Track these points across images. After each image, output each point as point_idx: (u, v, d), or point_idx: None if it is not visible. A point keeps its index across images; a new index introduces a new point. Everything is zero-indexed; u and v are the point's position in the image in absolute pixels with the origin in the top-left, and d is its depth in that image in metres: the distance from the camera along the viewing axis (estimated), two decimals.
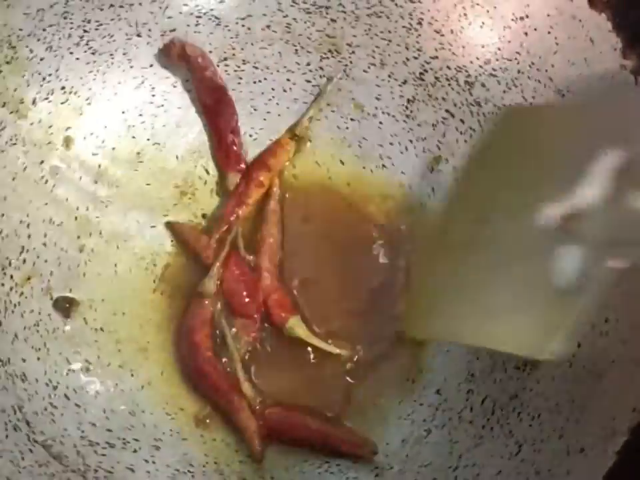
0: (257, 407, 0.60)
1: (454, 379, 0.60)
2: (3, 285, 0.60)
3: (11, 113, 0.62)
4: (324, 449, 0.61)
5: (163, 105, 0.67)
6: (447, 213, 0.58)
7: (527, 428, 0.55)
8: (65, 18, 0.62)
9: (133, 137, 0.66)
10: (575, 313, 0.48)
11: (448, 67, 0.65)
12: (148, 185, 0.66)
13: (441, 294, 0.56)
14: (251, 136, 0.68)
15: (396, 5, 0.65)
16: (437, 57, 0.65)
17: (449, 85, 0.65)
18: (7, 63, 0.61)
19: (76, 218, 0.64)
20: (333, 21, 0.66)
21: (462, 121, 0.65)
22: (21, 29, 0.61)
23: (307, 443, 0.61)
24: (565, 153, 0.52)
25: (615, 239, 0.48)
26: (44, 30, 0.62)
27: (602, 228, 0.49)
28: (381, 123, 0.67)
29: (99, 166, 0.65)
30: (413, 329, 0.59)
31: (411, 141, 0.66)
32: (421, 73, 0.66)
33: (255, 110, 0.68)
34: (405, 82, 0.66)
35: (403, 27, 0.65)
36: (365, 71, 0.67)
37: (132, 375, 0.61)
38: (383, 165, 0.67)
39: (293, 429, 0.60)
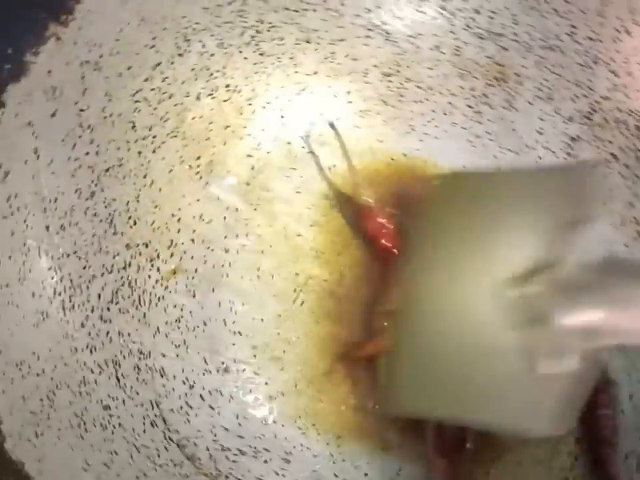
0: None
1: None
2: (149, 276, 0.59)
3: (176, 105, 0.61)
4: None
5: (322, 114, 0.65)
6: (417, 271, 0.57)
7: None
8: (240, 16, 0.61)
9: (289, 143, 0.65)
10: (558, 389, 0.47)
11: (619, 109, 0.63)
12: (298, 192, 0.65)
13: (417, 364, 0.56)
14: (405, 155, 0.66)
15: (573, 40, 0.63)
16: (608, 98, 0.63)
17: (618, 127, 0.63)
18: (179, 55, 0.60)
19: (225, 218, 0.63)
20: (504, 49, 0.65)
21: (626, 166, 0.62)
22: (197, 23, 0.60)
23: None
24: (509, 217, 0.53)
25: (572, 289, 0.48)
26: (218, 26, 0.61)
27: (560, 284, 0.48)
28: (539, 157, 0.65)
29: (252, 168, 0.64)
30: (386, 404, 0.58)
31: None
32: (589, 112, 0.64)
33: (412, 130, 0.66)
34: (570, 119, 0.64)
35: (577, 63, 0.64)
36: (529, 103, 0.65)
37: (266, 384, 0.61)
38: None
39: None
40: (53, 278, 0.55)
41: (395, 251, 0.62)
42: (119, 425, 0.54)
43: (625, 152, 0.63)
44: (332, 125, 0.63)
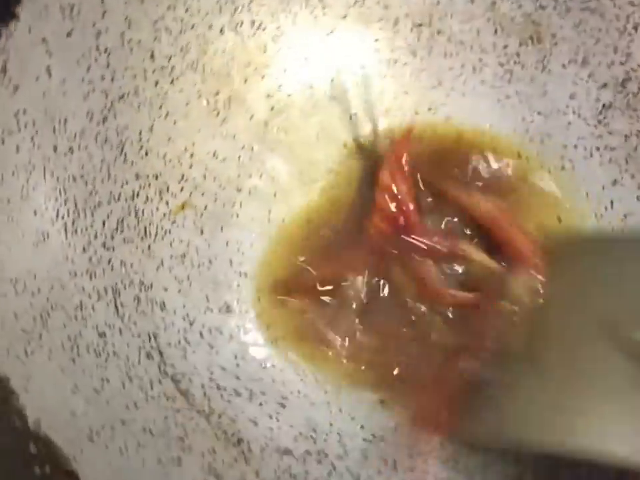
0: None
1: None
2: (157, 209, 0.58)
3: (197, 37, 0.60)
4: None
5: (347, 60, 0.63)
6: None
7: None
8: None
9: (311, 87, 0.63)
10: None
11: None
12: (317, 138, 0.63)
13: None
14: (430, 109, 0.64)
15: (614, 5, 0.60)
16: None
17: None
18: None
19: (239, 157, 0.61)
20: (542, 7, 0.63)
21: None
22: None
23: None
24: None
25: None
26: None
27: None
28: (569, 123, 0.63)
29: (272, 108, 0.62)
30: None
31: (597, 148, 0.62)
32: (624, 80, 0.62)
33: (439, 84, 0.64)
34: (604, 85, 0.62)
35: (616, 28, 0.61)
36: (563, 66, 0.63)
37: (268, 327, 0.59)
38: (563, 167, 0.62)
39: None
40: (57, 200, 0.54)
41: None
42: (114, 353, 0.52)
43: None
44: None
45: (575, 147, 0.63)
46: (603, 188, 0.62)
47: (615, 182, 0.62)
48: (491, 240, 0.60)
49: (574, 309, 0.55)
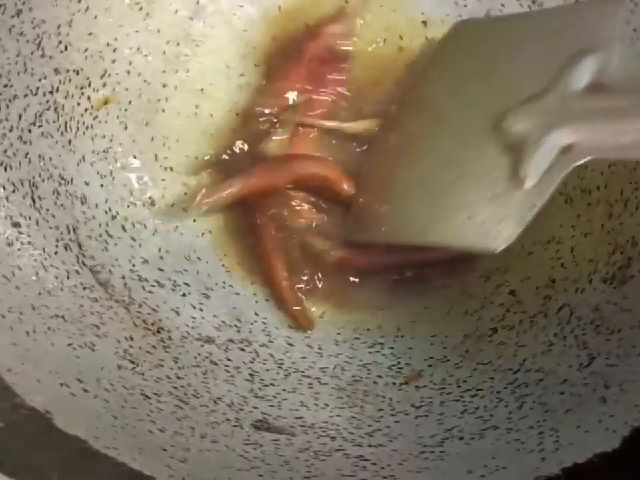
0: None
1: (532, 282, 0.54)
2: (78, 104, 0.57)
3: None
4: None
5: None
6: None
7: (604, 342, 0.49)
8: None
9: None
10: (530, 204, 0.48)
11: None
12: (245, 31, 0.62)
13: (389, 191, 0.56)
14: None
15: None
16: None
17: None
18: None
19: (164, 52, 0.60)
20: None
21: None
22: None
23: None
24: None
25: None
26: None
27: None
28: (503, 5, 0.60)
29: (197, 2, 0.60)
30: (355, 230, 0.57)
31: None
32: None
33: None
34: None
35: None
36: None
37: (194, 220, 0.58)
38: None
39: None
40: None
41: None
42: (28, 242, 0.52)
43: None
44: None
45: None
46: None
47: None
48: None
49: (452, 94, 0.56)
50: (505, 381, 0.51)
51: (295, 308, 0.56)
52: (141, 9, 0.60)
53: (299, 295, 0.56)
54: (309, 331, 0.56)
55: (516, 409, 0.49)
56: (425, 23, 0.62)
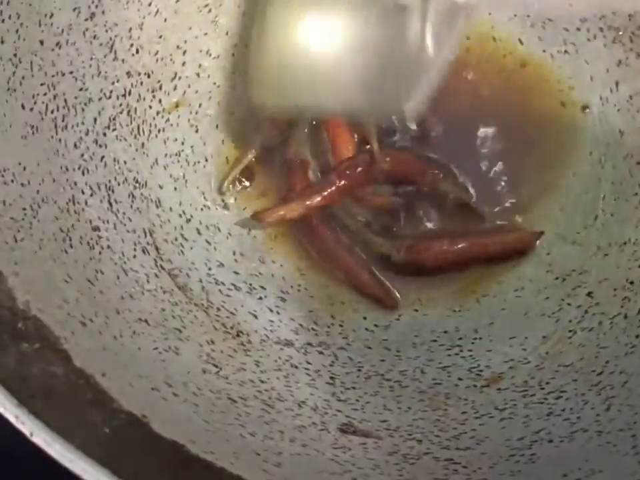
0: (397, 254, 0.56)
1: (609, 284, 0.53)
2: (150, 107, 0.57)
3: None
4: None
5: None
6: None
7: None
8: None
9: None
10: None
11: None
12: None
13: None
14: None
15: None
16: None
17: None
18: None
19: (233, 54, 0.60)
20: None
21: None
22: None
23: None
24: None
25: None
26: None
27: None
28: (570, 5, 0.59)
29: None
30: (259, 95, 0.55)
31: (601, 29, 0.59)
32: None
33: None
34: None
35: None
36: None
37: None
38: (566, 51, 0.60)
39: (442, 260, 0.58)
40: (45, 94, 0.53)
41: None
42: (108, 247, 0.52)
43: None
44: None
45: (578, 29, 0.60)
46: (607, 70, 0.59)
47: (619, 62, 0.59)
48: None
49: None
50: (589, 383, 0.51)
51: (377, 288, 0.57)
52: (209, 11, 0.60)
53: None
54: (396, 311, 0.58)
55: (603, 411, 0.48)
56: None
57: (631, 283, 0.54)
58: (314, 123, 0.60)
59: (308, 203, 0.56)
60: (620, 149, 0.59)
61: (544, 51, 0.62)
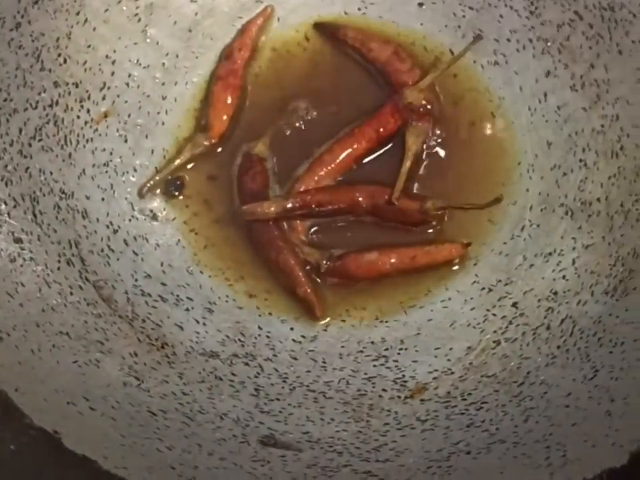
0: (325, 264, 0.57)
1: (534, 295, 0.54)
2: (78, 117, 0.57)
3: None
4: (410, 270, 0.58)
5: None
6: None
7: (607, 355, 0.50)
8: None
9: None
10: None
11: None
12: None
13: None
14: (359, 9, 0.62)
15: None
16: None
17: None
18: None
19: (163, 64, 0.60)
20: None
21: (590, 25, 0.58)
22: None
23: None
24: None
25: None
26: None
27: None
28: (501, 16, 0.60)
29: (196, 14, 0.61)
30: None
31: (530, 40, 0.59)
32: None
33: None
34: None
35: None
36: None
37: (196, 234, 0.58)
38: (496, 62, 0.60)
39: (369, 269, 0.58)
40: None
41: None
42: (30, 259, 0.52)
43: (589, 11, 0.58)
44: None
45: (508, 40, 0.61)
46: (537, 81, 0.60)
47: (548, 73, 0.59)
48: None
49: None
50: (509, 394, 0.51)
51: (308, 290, 0.57)
52: (139, 20, 0.60)
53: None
54: (320, 321, 0.59)
55: (522, 423, 0.49)
56: None
57: (555, 293, 0.55)
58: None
59: (289, 205, 0.58)
60: (548, 159, 0.58)
61: (474, 62, 0.61)
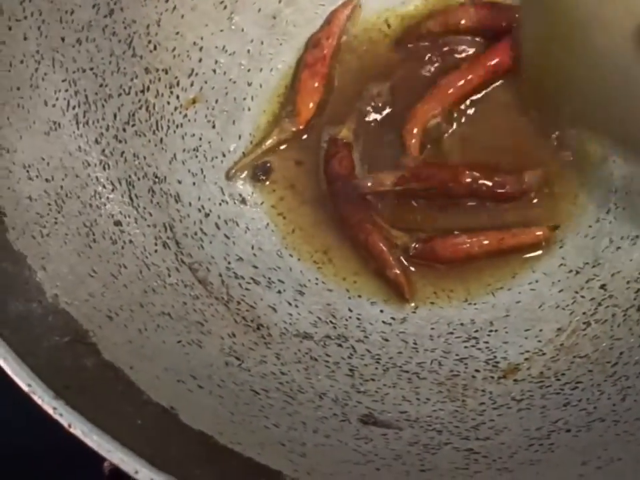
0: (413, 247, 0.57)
1: (622, 277, 0.54)
2: (168, 103, 0.58)
3: None
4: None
5: None
6: None
7: None
8: None
9: None
10: None
11: None
12: None
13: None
14: None
15: None
16: None
17: None
18: None
19: (249, 51, 0.61)
20: None
21: None
22: None
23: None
24: None
25: None
26: None
27: None
28: None
29: (279, 1, 0.62)
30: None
31: None
32: None
33: None
34: None
35: None
36: None
37: (284, 217, 0.59)
38: None
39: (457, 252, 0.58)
40: (67, 90, 0.54)
41: None
42: (130, 241, 0.53)
43: None
44: None
45: None
46: None
47: None
48: None
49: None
50: (604, 374, 0.51)
51: (397, 272, 0.58)
52: (225, 7, 0.61)
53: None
54: (411, 303, 0.59)
55: (619, 401, 0.49)
56: None
57: None
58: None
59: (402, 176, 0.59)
60: None
61: None
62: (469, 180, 0.57)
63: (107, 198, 0.53)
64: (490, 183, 0.57)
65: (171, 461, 0.40)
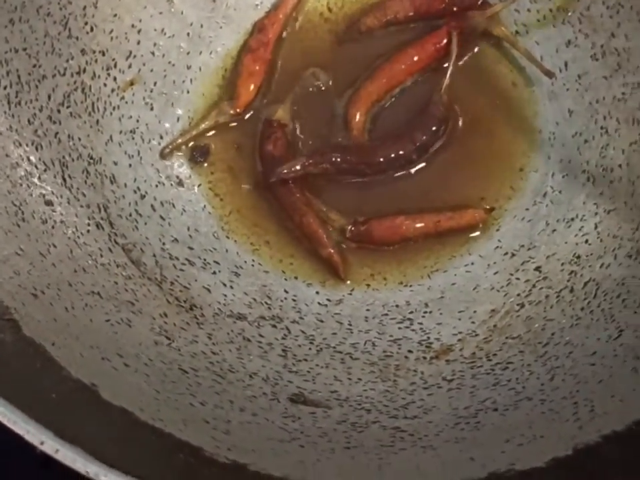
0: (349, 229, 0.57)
1: (557, 259, 0.55)
2: (105, 85, 0.58)
3: None
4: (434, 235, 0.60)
5: None
6: None
7: (632, 315, 0.50)
8: None
9: None
10: None
11: None
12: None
13: None
14: None
15: None
16: None
17: None
18: None
19: (188, 34, 0.61)
20: None
21: None
22: None
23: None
24: None
25: None
26: None
27: None
28: None
29: None
30: None
31: (551, 10, 0.60)
32: None
33: None
34: None
35: None
36: None
37: (221, 199, 0.59)
38: (517, 32, 0.62)
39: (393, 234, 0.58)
40: None
41: None
42: (61, 221, 0.53)
43: None
44: None
45: (529, 10, 0.61)
46: (557, 50, 0.60)
47: (568, 43, 0.60)
48: None
49: None
50: (535, 354, 0.52)
51: (331, 251, 0.58)
52: None
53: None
54: (346, 282, 0.59)
55: (548, 381, 0.50)
56: None
57: (578, 257, 0.55)
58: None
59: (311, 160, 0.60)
60: (569, 127, 0.59)
61: None
62: (381, 159, 0.57)
63: (39, 178, 0.53)
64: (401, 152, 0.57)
65: (83, 434, 0.39)
